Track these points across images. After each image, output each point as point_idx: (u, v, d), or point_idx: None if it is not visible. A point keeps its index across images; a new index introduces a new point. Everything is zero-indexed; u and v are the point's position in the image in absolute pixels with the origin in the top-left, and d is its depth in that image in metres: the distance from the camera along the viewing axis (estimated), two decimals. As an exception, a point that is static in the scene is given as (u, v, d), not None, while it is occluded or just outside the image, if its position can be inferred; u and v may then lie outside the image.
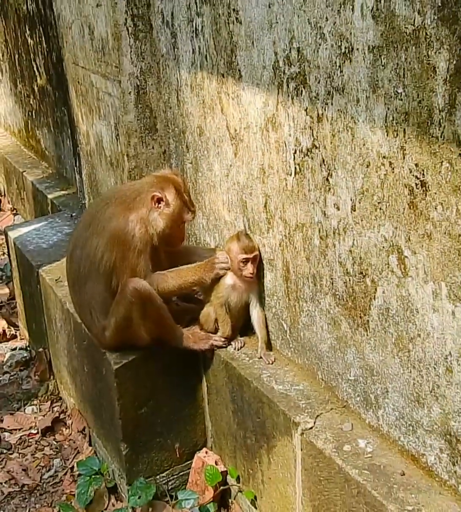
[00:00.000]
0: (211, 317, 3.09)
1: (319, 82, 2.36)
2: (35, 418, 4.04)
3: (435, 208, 2.00)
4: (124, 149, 3.64)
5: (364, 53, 2.13)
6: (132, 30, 3.44)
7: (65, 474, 3.62)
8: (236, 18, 2.76)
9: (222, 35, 2.89)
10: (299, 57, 2.43)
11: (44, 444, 3.86)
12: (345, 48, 2.20)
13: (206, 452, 3.28)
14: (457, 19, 1.78)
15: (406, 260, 2.15)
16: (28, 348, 4.67)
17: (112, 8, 3.43)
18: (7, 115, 7.59)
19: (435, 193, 1.98)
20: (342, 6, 2.17)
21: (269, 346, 3.01)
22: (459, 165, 1.88)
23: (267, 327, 3.02)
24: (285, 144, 2.64)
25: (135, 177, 3.59)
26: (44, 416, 4.03)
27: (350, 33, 2.17)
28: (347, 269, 2.44)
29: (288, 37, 2.47)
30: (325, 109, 2.37)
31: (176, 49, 3.31)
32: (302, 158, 2.55)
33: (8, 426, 4.00)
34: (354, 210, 2.34)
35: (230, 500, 3.20)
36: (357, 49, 2.15)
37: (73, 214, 4.86)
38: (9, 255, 4.93)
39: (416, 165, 2.03)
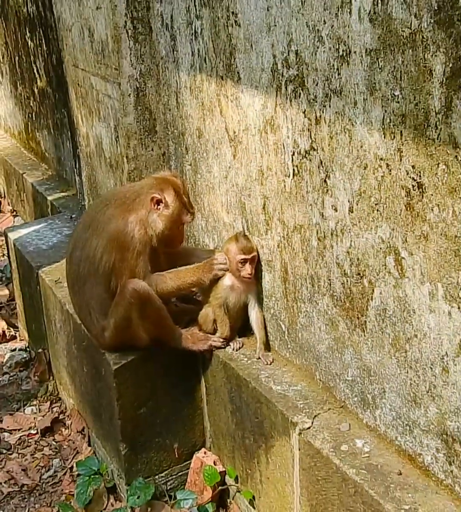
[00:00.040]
0: (209, 317, 3.11)
1: (317, 85, 2.38)
2: (34, 418, 4.05)
3: (432, 210, 2.01)
4: (123, 151, 3.65)
5: (362, 56, 2.14)
6: (131, 32, 3.46)
7: (64, 474, 3.63)
8: (235, 21, 2.78)
9: (221, 38, 2.91)
10: (297, 59, 2.45)
11: (44, 444, 3.87)
12: (343, 51, 2.22)
13: (205, 452, 3.30)
14: (453, 22, 1.79)
15: (403, 261, 2.17)
16: (28, 349, 4.68)
17: (112, 11, 3.45)
18: (7, 117, 7.60)
19: (432, 195, 2.00)
20: (340, 9, 2.19)
21: (267, 346, 3.03)
22: (455, 167, 1.90)
23: (265, 327, 3.03)
24: (283, 146, 2.65)
25: (135, 179, 3.60)
26: (43, 416, 4.04)
27: (348, 36, 2.18)
28: (344, 270, 2.46)
29: (286, 40, 2.49)
30: (323, 112, 2.39)
31: (175, 52, 3.33)
32: (300, 160, 2.57)
33: (8, 427, 4.01)
34: (352, 212, 2.35)
35: (228, 500, 3.21)
36: (355, 52, 2.17)
37: (73, 216, 4.87)
38: (9, 257, 4.94)
39: (413, 167, 2.05)
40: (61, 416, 4.03)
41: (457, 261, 1.96)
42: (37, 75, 5.99)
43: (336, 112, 2.32)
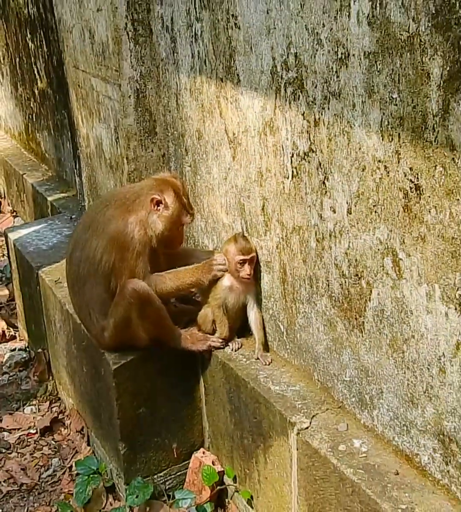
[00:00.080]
0: (208, 318, 3.12)
1: (316, 87, 2.40)
2: (34, 418, 4.06)
3: (429, 211, 2.03)
4: (123, 152, 3.67)
5: (360, 59, 2.16)
6: (132, 34, 3.48)
7: (64, 473, 3.64)
8: (235, 24, 2.79)
9: (221, 40, 2.93)
10: (297, 62, 2.47)
11: (43, 443, 3.88)
12: (342, 54, 2.24)
13: (204, 452, 3.31)
14: (450, 26, 1.81)
15: (401, 262, 2.18)
16: (27, 349, 4.69)
17: (112, 13, 3.46)
18: (8, 118, 7.61)
19: (429, 197, 2.02)
20: (339, 12, 2.21)
21: (266, 347, 3.04)
22: (452, 169, 1.91)
23: (264, 328, 3.05)
24: (283, 147, 2.67)
25: (135, 180, 3.61)
26: (43, 416, 4.06)
27: (347, 39, 2.20)
28: (343, 271, 2.47)
29: (285, 43, 2.51)
30: (321, 114, 2.40)
31: (175, 54, 3.35)
32: (299, 161, 2.59)
33: (7, 426, 4.02)
34: (350, 213, 2.37)
35: (226, 500, 3.22)
36: (353, 55, 2.19)
37: (73, 216, 4.88)
38: (9, 257, 4.95)
39: (411, 169, 2.06)
40: (60, 416, 4.04)
41: (454, 262, 1.97)
42: (37, 76, 6.01)
43: (334, 114, 2.34)
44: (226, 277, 3.06)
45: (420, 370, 2.20)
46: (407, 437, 2.31)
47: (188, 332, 3.17)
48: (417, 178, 2.04)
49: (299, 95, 2.50)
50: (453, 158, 1.90)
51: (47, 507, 3.45)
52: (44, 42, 5.61)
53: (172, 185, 3.08)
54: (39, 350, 4.38)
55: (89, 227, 3.17)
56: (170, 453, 3.32)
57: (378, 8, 2.04)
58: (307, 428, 2.57)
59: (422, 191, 2.04)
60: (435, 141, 1.95)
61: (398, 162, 2.10)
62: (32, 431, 3.98)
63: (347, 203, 2.37)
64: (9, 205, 7.14)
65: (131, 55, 3.50)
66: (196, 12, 3.07)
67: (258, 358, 2.99)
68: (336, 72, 2.28)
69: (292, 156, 2.62)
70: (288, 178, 2.68)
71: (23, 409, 4.16)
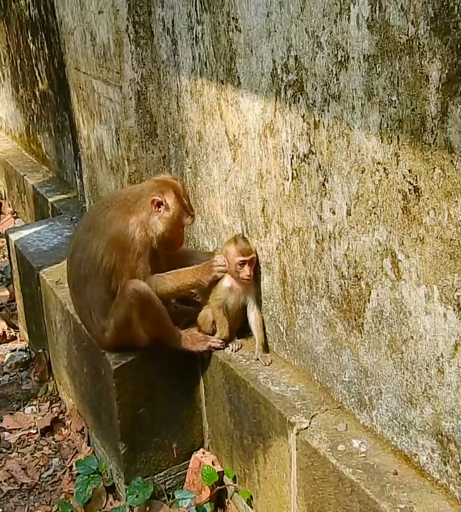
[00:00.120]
0: (209, 319, 3.13)
1: (316, 90, 2.41)
2: (34, 418, 4.07)
3: (428, 213, 2.04)
4: (124, 154, 3.68)
5: (360, 61, 2.18)
6: (133, 36, 3.49)
7: (64, 473, 3.65)
8: (236, 26, 2.81)
9: (222, 43, 2.94)
10: (297, 65, 2.49)
11: (43, 443, 3.89)
12: (341, 56, 2.25)
13: (203, 453, 3.32)
14: (449, 29, 1.83)
15: (400, 263, 2.20)
16: (28, 349, 4.70)
17: (114, 15, 3.48)
18: (9, 120, 7.63)
19: (428, 199, 2.03)
20: (339, 15, 2.22)
21: (266, 348, 3.05)
22: (451, 171, 1.93)
23: (264, 329, 3.06)
24: (283, 149, 2.68)
25: (135, 181, 3.63)
26: (43, 416, 4.07)
27: (346, 42, 2.22)
28: (342, 273, 2.49)
29: (286, 46, 2.52)
30: (321, 116, 2.42)
31: (176, 56, 3.36)
32: (299, 163, 2.60)
33: (8, 426, 4.03)
34: (350, 215, 2.38)
35: (226, 500, 3.23)
36: (353, 57, 2.20)
37: (74, 217, 4.90)
38: (9, 258, 4.96)
39: (410, 171, 2.08)
40: (60, 416, 4.05)
41: (452, 263, 1.99)
42: (38, 78, 6.03)
43: (334, 116, 2.35)
44: (226, 278, 3.07)
45: (418, 371, 2.21)
46: (406, 437, 2.33)
47: (188, 333, 3.18)
48: (416, 180, 2.06)
49: (299, 98, 2.51)
50: (451, 160, 1.92)
51: (48, 506, 3.46)
52: (45, 44, 5.63)
53: (173, 187, 3.09)
54: (40, 350, 4.39)
55: (90, 228, 3.18)
56: (170, 453, 3.33)
57: (377, 12, 2.06)
58: (306, 428, 2.58)
59: (421, 193, 2.05)
60: (433, 144, 1.97)
61: (397, 164, 2.12)
62: (32, 431, 3.99)
63: (346, 204, 2.39)
64: (9, 206, 7.15)
65: (132, 57, 3.52)
66: (197, 14, 3.09)
67: (258, 359, 3.00)
68: (336, 74, 2.30)
69: (292, 158, 2.64)
70: (288, 180, 2.69)
71: (24, 409, 4.17)
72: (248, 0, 2.68)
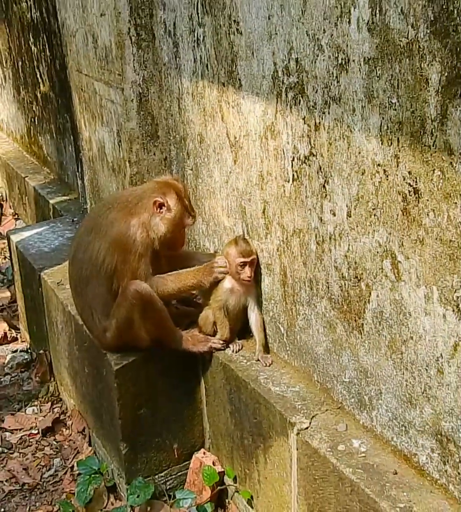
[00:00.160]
0: (209, 320, 3.14)
1: (316, 92, 2.43)
2: (35, 418, 4.09)
3: (427, 215, 2.06)
4: (126, 155, 3.70)
5: (360, 64, 2.19)
6: (135, 39, 3.51)
7: (65, 473, 3.66)
8: (237, 29, 2.83)
9: (223, 45, 2.96)
10: (298, 67, 2.50)
11: (45, 444, 3.91)
12: (342, 59, 2.27)
13: (204, 453, 3.33)
14: (448, 33, 1.84)
15: (399, 265, 2.21)
16: (29, 350, 4.71)
17: (115, 18, 3.49)
18: (10, 121, 7.65)
19: (427, 200, 2.05)
20: (339, 19, 2.24)
21: (266, 349, 3.06)
22: (450, 173, 1.94)
23: (264, 330, 3.07)
24: (283, 151, 2.70)
25: (137, 183, 3.64)
26: (44, 416, 4.08)
27: (347, 45, 2.23)
28: (342, 274, 2.50)
29: (287, 48, 2.54)
30: (322, 118, 2.43)
31: (178, 58, 3.38)
32: (300, 165, 2.62)
33: (9, 426, 4.04)
34: (350, 216, 2.40)
35: (227, 500, 3.24)
36: (353, 60, 2.22)
37: (75, 219, 4.91)
38: (11, 259, 4.98)
39: (409, 173, 2.09)
40: (62, 417, 4.06)
41: (451, 264, 2.00)
42: (40, 80, 6.05)
43: (335, 119, 2.37)
44: (227, 279, 3.08)
45: (418, 371, 2.22)
46: (406, 437, 2.34)
47: (189, 334, 3.19)
48: (416, 182, 2.07)
49: (300, 100, 2.53)
50: (451, 162, 1.93)
51: (49, 506, 3.47)
52: (47, 46, 5.64)
53: (174, 188, 3.11)
54: (41, 351, 4.40)
55: (91, 230, 3.20)
56: (171, 454, 3.34)
57: (377, 15, 2.07)
58: (306, 428, 2.59)
59: (421, 194, 2.07)
60: (433, 146, 1.98)
61: (397, 166, 2.14)
62: (33, 431, 4.00)
63: (347, 206, 2.40)
64: (11, 208, 7.17)
65: (133, 60, 3.53)
66: (198, 17, 3.10)
67: (258, 360, 3.01)
68: (336, 77, 2.31)
69: (293, 160, 2.65)
70: (288, 181, 2.71)
71: (25, 409, 4.18)
72: (249, 3, 2.70)
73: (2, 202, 7.35)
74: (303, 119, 2.53)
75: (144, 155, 3.67)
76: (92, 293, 3.17)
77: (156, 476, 3.32)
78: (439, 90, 1.92)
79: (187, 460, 3.36)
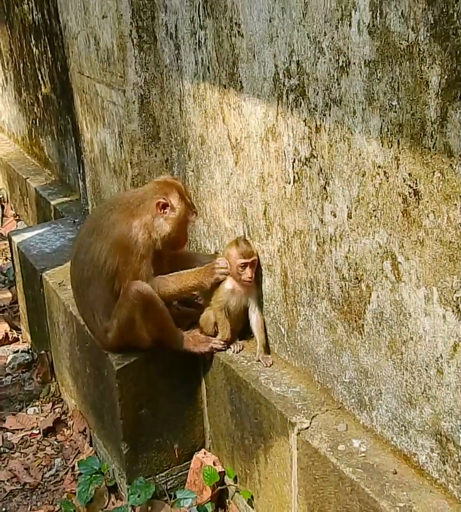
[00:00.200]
0: (210, 320, 3.16)
1: (317, 94, 2.44)
2: (37, 418, 4.10)
3: (427, 216, 2.07)
4: (127, 157, 3.71)
5: (361, 67, 2.21)
6: (136, 41, 3.52)
7: (66, 473, 3.67)
8: (238, 32, 2.84)
9: (224, 48, 2.97)
10: (299, 70, 2.51)
11: (46, 444, 3.92)
12: (343, 62, 2.28)
13: (205, 453, 3.34)
14: (448, 36, 1.86)
15: (400, 266, 2.22)
16: (30, 351, 4.72)
17: (117, 20, 3.51)
18: (11, 123, 7.66)
19: (427, 202, 2.06)
20: (340, 21, 2.25)
21: (267, 349, 3.07)
22: (450, 175, 1.96)
23: (265, 330, 3.08)
24: (284, 153, 2.71)
25: (138, 184, 3.65)
26: (45, 417, 4.09)
27: (347, 48, 2.24)
28: (343, 275, 2.51)
29: (288, 51, 2.55)
30: (323, 120, 2.45)
31: (179, 61, 3.39)
32: (301, 167, 2.63)
33: (11, 426, 4.06)
34: (350, 218, 2.41)
35: (227, 500, 3.25)
36: (354, 63, 2.23)
37: (76, 220, 4.93)
38: (12, 260, 4.99)
39: (410, 174, 2.11)
40: (63, 417, 4.07)
41: (451, 265, 2.02)
42: (41, 82, 6.06)
43: (335, 121, 2.38)
44: (228, 280, 3.10)
45: (418, 372, 2.23)
46: (405, 437, 2.35)
47: (190, 334, 3.20)
48: (416, 183, 2.09)
49: (301, 102, 2.54)
50: (450, 164, 1.95)
51: (50, 506, 3.48)
52: (48, 48, 5.66)
53: (175, 187, 3.12)
54: (42, 351, 4.41)
55: (93, 231, 3.21)
56: (172, 454, 3.35)
57: (378, 18, 2.09)
58: (307, 428, 2.60)
59: (421, 196, 2.08)
60: (433, 148, 1.99)
61: (397, 168, 2.15)
62: (35, 431, 4.01)
63: (347, 207, 2.42)
64: (12, 209, 7.18)
65: (135, 62, 3.54)
66: (200, 20, 3.12)
67: (259, 360, 3.02)
68: (337, 79, 2.33)
69: (294, 161, 2.67)
70: (289, 183, 2.72)
71: (26, 410, 4.20)
72: (250, 6, 2.71)
73: (3, 203, 7.36)
74: (304, 121, 2.55)
75: (146, 157, 3.68)
76: (94, 294, 3.19)
77: (157, 476, 3.33)
78: (439, 93, 1.93)
79: (187, 460, 3.37)
